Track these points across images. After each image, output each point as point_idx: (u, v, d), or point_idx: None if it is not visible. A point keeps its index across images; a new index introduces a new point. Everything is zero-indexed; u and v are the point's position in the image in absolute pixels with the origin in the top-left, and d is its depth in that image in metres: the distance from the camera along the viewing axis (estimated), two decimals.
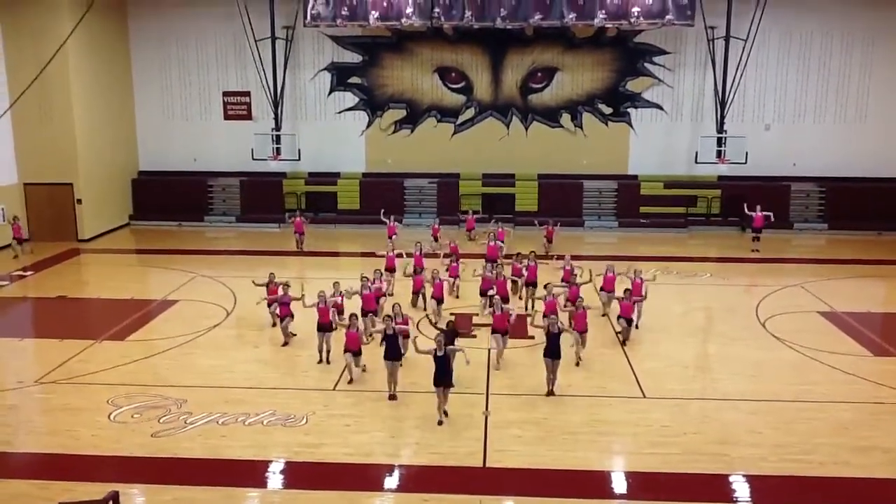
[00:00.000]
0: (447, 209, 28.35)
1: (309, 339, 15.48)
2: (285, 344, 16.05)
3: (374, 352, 14.51)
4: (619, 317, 16.47)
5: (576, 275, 18.13)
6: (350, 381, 13.94)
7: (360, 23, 26.37)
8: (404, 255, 19.76)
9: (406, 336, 14.11)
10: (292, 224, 25.58)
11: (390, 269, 19.48)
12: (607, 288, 17.57)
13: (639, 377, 14.41)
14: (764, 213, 24.83)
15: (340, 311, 15.43)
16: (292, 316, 16.12)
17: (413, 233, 24.60)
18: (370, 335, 15.29)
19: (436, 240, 23.63)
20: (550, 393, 13.41)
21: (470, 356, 13.01)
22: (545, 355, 13.40)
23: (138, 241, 27.89)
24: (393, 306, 14.62)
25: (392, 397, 13.28)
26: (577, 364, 14.76)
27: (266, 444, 11.78)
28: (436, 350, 12.32)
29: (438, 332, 14.23)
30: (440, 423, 12.24)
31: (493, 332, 14.82)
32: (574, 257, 22.15)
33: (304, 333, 15.85)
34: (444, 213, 27.05)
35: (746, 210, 25.25)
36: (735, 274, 22.49)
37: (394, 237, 23.68)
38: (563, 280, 17.86)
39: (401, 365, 13.56)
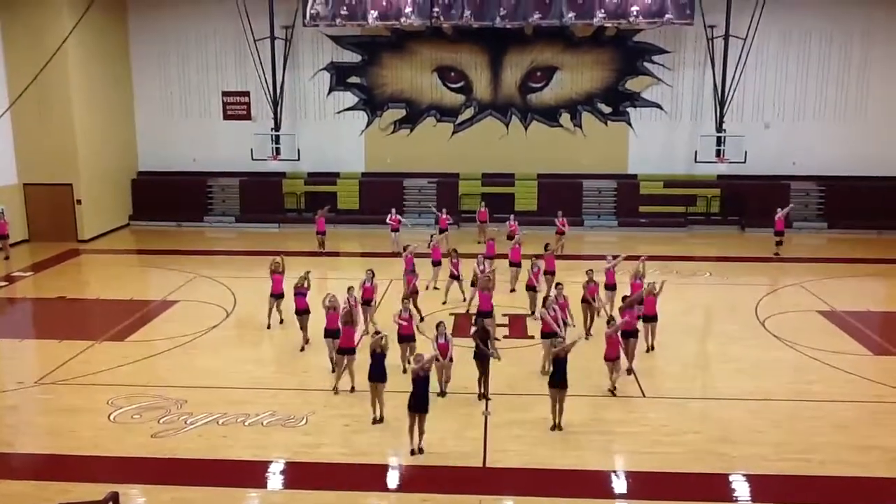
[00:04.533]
0: (447, 209, 28.25)
1: (312, 341, 15.48)
2: (281, 321, 16.92)
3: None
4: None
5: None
6: (336, 391, 13.55)
7: (359, 22, 26.40)
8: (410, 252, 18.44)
9: (445, 357, 13.17)
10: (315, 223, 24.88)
11: (436, 263, 19.59)
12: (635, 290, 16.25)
13: (638, 376, 14.39)
14: (784, 214, 24.36)
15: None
16: (308, 311, 15.61)
17: (413, 233, 24.51)
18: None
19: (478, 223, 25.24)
20: (556, 427, 12.23)
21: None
22: (550, 385, 12.14)
23: (138, 241, 27.86)
24: (438, 325, 13.35)
25: (419, 450, 11.62)
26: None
27: (266, 445, 11.79)
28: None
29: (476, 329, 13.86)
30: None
31: (543, 336, 14.17)
32: (574, 257, 22.17)
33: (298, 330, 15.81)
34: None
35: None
36: (735, 273, 22.49)
37: (397, 233, 23.86)
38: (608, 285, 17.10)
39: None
